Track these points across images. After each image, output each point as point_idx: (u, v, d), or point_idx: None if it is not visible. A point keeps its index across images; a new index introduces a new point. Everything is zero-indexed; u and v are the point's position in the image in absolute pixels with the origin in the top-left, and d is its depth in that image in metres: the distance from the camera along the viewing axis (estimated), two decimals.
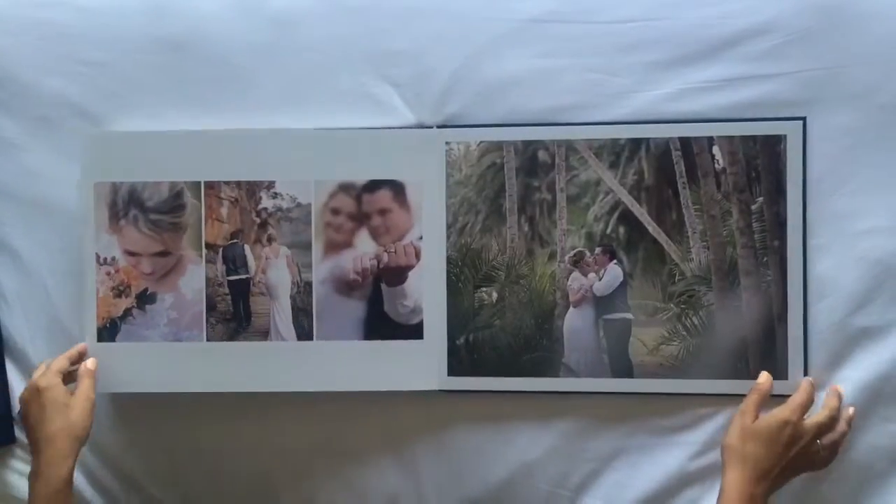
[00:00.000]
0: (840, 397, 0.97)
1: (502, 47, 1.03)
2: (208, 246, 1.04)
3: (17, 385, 1.07)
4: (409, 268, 1.02)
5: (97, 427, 1.04)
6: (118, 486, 1.08)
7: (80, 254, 1.05)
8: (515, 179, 1.03)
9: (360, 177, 1.02)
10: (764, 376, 0.98)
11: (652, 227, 1.02)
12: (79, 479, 1.06)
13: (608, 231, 1.02)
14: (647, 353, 1.02)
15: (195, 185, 1.03)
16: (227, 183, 1.03)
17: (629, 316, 1.02)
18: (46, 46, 1.06)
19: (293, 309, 1.03)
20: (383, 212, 1.02)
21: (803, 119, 0.99)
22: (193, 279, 1.04)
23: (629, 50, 1.02)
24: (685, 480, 1.03)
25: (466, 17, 1.03)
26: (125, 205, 1.04)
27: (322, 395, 1.03)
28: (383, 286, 1.02)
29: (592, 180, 1.02)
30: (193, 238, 1.04)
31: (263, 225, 1.03)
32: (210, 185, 1.03)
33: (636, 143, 1.01)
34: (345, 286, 1.03)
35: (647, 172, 1.02)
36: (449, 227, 1.03)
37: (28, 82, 1.07)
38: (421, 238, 1.02)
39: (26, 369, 1.07)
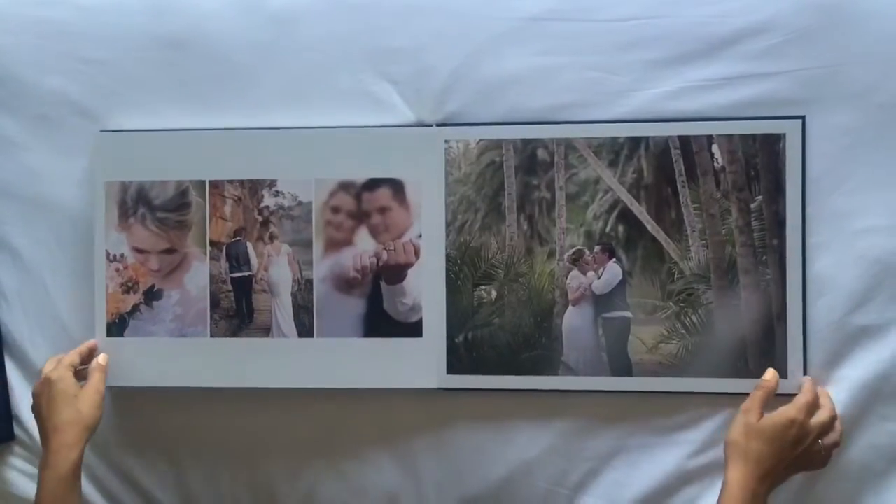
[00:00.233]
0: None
1: (502, 45, 1.04)
2: (212, 243, 1.06)
3: (16, 383, 1.10)
4: (409, 266, 1.03)
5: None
6: (118, 486, 1.10)
7: (91, 251, 1.07)
8: (515, 178, 1.04)
9: (360, 175, 1.04)
10: (770, 373, 0.98)
11: (651, 225, 1.02)
12: None
13: (607, 229, 1.03)
14: (646, 352, 1.02)
15: (200, 184, 1.05)
16: (230, 182, 1.05)
17: (628, 314, 1.03)
18: (46, 45, 1.08)
19: (294, 306, 1.05)
20: (383, 210, 1.04)
21: (802, 118, 0.99)
22: (198, 276, 1.06)
23: (629, 48, 1.02)
24: (684, 479, 1.03)
25: (466, 16, 1.04)
26: (134, 203, 1.07)
27: (321, 393, 1.05)
28: (383, 284, 1.04)
29: (591, 179, 1.03)
30: (198, 236, 1.06)
31: (265, 223, 1.05)
32: (214, 184, 1.05)
33: (635, 142, 1.02)
34: (345, 284, 1.04)
35: (647, 171, 1.02)
36: (448, 225, 1.04)
37: (28, 80, 1.09)
38: (420, 236, 1.03)
39: (26, 367, 1.10)
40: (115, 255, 1.07)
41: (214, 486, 1.09)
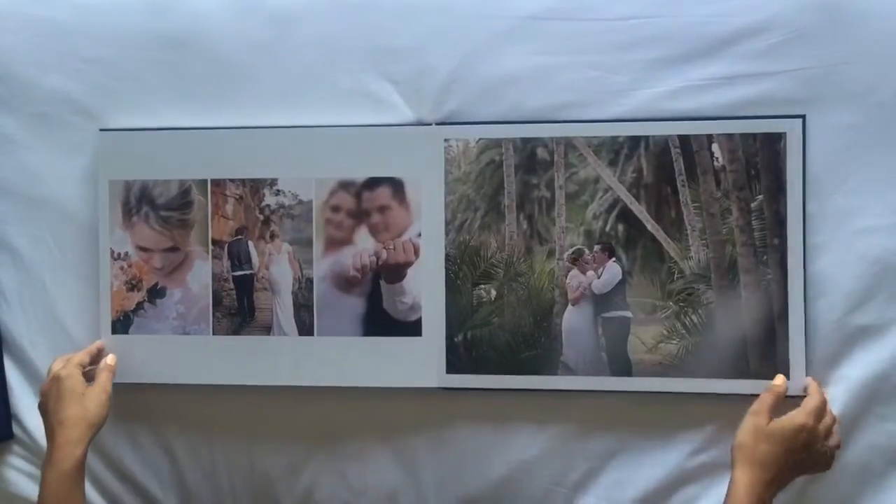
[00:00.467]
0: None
1: (502, 45, 1.05)
2: (214, 242, 1.07)
3: (16, 383, 1.11)
4: (408, 265, 1.04)
5: None
6: (118, 486, 1.11)
7: (91, 249, 1.09)
8: (514, 177, 1.04)
9: (360, 174, 1.05)
10: (780, 378, 0.98)
11: (651, 224, 1.03)
12: None
13: (607, 229, 1.03)
14: (646, 352, 1.02)
15: (202, 183, 1.07)
16: (232, 180, 1.07)
17: (628, 314, 1.03)
18: (46, 43, 1.10)
19: (295, 304, 1.06)
20: (383, 209, 1.05)
21: (802, 117, 1.00)
22: (200, 274, 1.08)
23: (628, 47, 1.03)
24: (684, 478, 1.04)
25: (465, 15, 1.05)
26: (137, 202, 1.08)
27: (321, 391, 1.06)
28: (382, 283, 1.05)
29: (591, 178, 1.03)
30: (201, 234, 1.07)
31: (266, 222, 1.06)
32: (216, 183, 1.07)
33: (635, 141, 1.02)
34: (345, 283, 1.05)
35: (646, 170, 1.03)
36: (448, 224, 1.04)
37: (27, 79, 1.10)
38: (420, 235, 1.04)
39: (25, 367, 1.11)
40: (119, 254, 1.08)
41: (213, 483, 1.10)
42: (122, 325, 1.09)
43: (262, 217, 1.06)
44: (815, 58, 0.99)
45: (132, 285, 1.09)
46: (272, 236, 1.06)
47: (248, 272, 1.07)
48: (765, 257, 1.00)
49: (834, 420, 0.96)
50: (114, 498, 1.11)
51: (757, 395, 0.97)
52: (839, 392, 0.99)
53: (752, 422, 0.94)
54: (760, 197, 1.00)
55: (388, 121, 1.05)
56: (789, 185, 0.99)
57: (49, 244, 1.10)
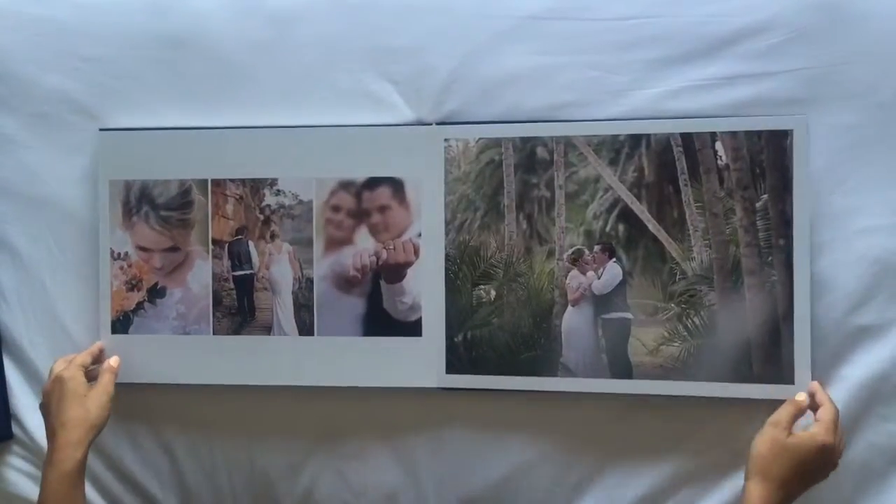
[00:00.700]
0: None
1: (502, 44, 1.05)
2: (215, 242, 1.08)
3: (15, 382, 1.12)
4: (408, 265, 1.05)
5: None
6: (118, 486, 1.12)
7: (91, 249, 1.10)
8: (514, 176, 1.05)
9: (360, 174, 1.06)
10: (802, 395, 0.97)
11: (652, 224, 1.02)
12: None
13: (607, 229, 1.03)
14: (646, 354, 1.02)
15: (202, 183, 1.07)
16: (232, 180, 1.07)
17: (628, 315, 1.03)
18: (45, 43, 1.10)
19: (295, 304, 1.06)
20: (383, 209, 1.05)
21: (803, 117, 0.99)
22: (201, 274, 1.09)
23: (628, 47, 1.03)
24: (684, 480, 1.04)
25: (465, 15, 1.06)
26: (137, 202, 1.09)
27: (321, 392, 1.07)
28: (382, 283, 1.06)
29: (591, 177, 1.03)
30: (201, 234, 1.08)
31: (267, 222, 1.07)
32: (217, 183, 1.07)
33: (636, 140, 1.02)
34: (345, 282, 1.06)
35: (648, 169, 1.02)
36: (447, 224, 1.05)
37: (27, 78, 1.10)
38: (420, 235, 1.04)
39: (25, 366, 1.12)
40: (119, 254, 1.09)
41: (213, 483, 1.10)
42: (121, 324, 1.09)
43: (262, 217, 1.07)
44: (816, 58, 1.00)
45: (132, 285, 1.09)
46: (272, 236, 1.07)
47: (248, 272, 1.08)
48: (770, 258, 0.99)
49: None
50: (114, 498, 1.11)
51: (759, 400, 0.98)
52: (840, 392, 0.99)
53: (772, 434, 0.92)
54: (765, 196, 0.99)
55: (389, 121, 1.06)
56: (796, 183, 0.98)
57: (49, 244, 1.11)
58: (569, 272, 1.03)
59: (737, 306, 1.00)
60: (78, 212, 1.10)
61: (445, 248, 1.04)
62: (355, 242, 1.06)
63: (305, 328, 1.06)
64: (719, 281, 1.00)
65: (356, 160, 1.05)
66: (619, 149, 1.02)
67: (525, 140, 1.03)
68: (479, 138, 1.04)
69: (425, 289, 1.05)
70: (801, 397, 0.96)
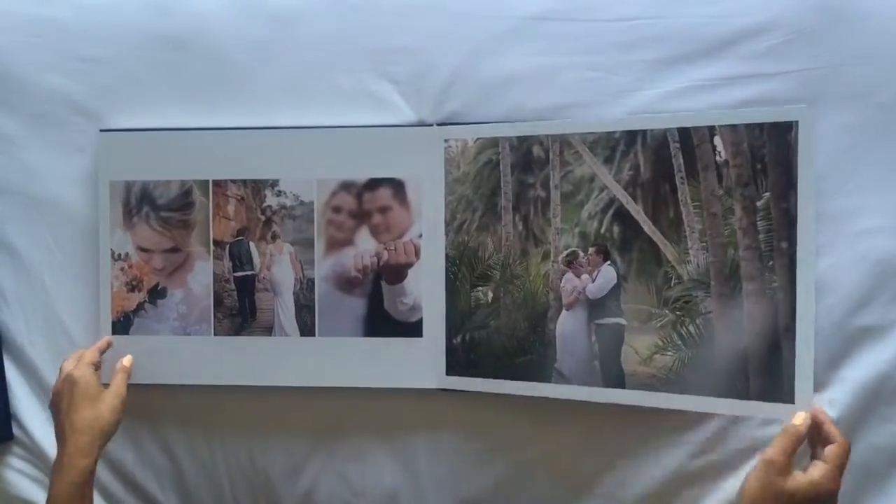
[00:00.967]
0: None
1: (502, 45, 1.06)
2: (216, 243, 1.08)
3: (15, 383, 1.12)
4: (409, 265, 1.05)
5: None
6: (118, 486, 1.12)
7: (91, 250, 1.10)
8: (511, 176, 1.03)
9: (361, 175, 1.06)
10: (801, 417, 0.88)
11: (647, 225, 0.98)
12: None
13: (602, 230, 1.00)
14: (639, 363, 0.98)
15: (203, 184, 1.08)
16: (233, 181, 1.08)
17: (622, 321, 0.99)
18: (45, 43, 1.11)
19: (296, 305, 1.07)
20: (384, 210, 1.06)
21: None
22: (202, 275, 1.09)
23: (629, 48, 1.04)
24: (685, 480, 1.05)
25: (466, 15, 1.06)
26: (138, 202, 1.09)
27: (321, 392, 1.07)
28: (383, 284, 1.06)
29: (587, 176, 1.00)
30: (202, 235, 1.08)
31: (268, 222, 1.07)
32: (218, 184, 1.08)
33: (632, 136, 0.98)
34: (346, 283, 1.06)
35: (644, 167, 0.98)
36: (447, 224, 1.05)
37: (27, 79, 1.11)
38: (421, 236, 1.05)
39: (25, 367, 1.12)
40: (119, 254, 1.10)
41: (214, 483, 1.11)
42: (122, 325, 1.10)
43: (263, 218, 1.07)
44: (816, 58, 1.01)
45: (132, 286, 1.10)
46: (273, 237, 1.07)
47: (249, 273, 1.08)
48: (771, 263, 0.92)
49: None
50: (114, 499, 1.12)
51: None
52: (841, 394, 1.00)
53: (765, 476, 0.84)
54: (767, 194, 0.92)
55: (389, 121, 1.07)
56: (801, 180, 0.90)
57: (49, 245, 1.11)
58: (563, 275, 1.01)
59: (734, 315, 0.93)
60: (78, 212, 1.11)
61: (445, 249, 1.05)
62: (356, 243, 1.06)
63: (306, 329, 1.07)
64: (716, 286, 0.94)
65: (357, 161, 1.06)
66: (615, 146, 0.99)
67: (522, 139, 1.02)
68: (478, 138, 1.04)
69: (426, 290, 1.05)
70: (800, 421, 0.87)
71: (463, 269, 1.04)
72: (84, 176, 1.10)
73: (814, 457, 0.89)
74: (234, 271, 1.08)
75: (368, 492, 1.09)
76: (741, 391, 0.93)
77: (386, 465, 1.08)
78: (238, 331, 1.08)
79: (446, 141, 1.05)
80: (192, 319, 1.09)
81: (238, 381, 1.08)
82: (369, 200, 1.06)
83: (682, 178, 0.97)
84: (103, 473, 1.11)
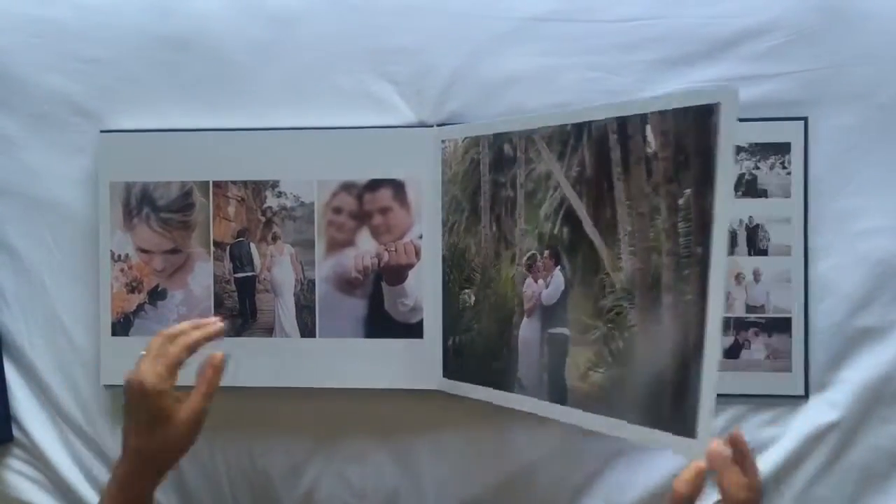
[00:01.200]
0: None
1: (503, 45, 1.06)
2: (216, 244, 1.09)
3: (15, 384, 1.12)
4: (409, 266, 1.05)
5: (95, 426, 1.11)
6: None
7: (91, 251, 1.11)
8: (488, 175, 1.01)
9: (362, 176, 1.06)
10: (690, 472, 0.75)
11: (589, 227, 0.89)
12: (76, 478, 1.12)
13: (555, 231, 0.92)
14: (578, 378, 0.90)
15: (204, 185, 1.08)
16: (234, 182, 1.08)
17: (567, 332, 0.91)
18: (46, 44, 1.11)
19: (297, 306, 1.07)
20: (384, 210, 1.06)
21: (805, 119, 1.02)
22: (202, 276, 1.10)
23: (630, 49, 1.05)
24: None
25: (467, 15, 1.07)
26: (138, 203, 1.10)
27: (322, 393, 1.08)
28: (384, 285, 1.06)
29: (544, 174, 0.94)
30: (202, 236, 1.09)
31: (269, 223, 1.07)
32: (218, 185, 1.08)
33: (579, 129, 0.90)
34: (346, 284, 1.06)
35: (588, 162, 0.89)
36: (443, 226, 1.05)
37: (28, 80, 1.11)
38: (421, 237, 1.05)
39: (25, 368, 1.12)
40: (119, 255, 1.10)
41: (214, 484, 1.11)
42: (122, 326, 1.10)
43: (263, 219, 1.08)
44: (817, 59, 1.02)
45: (133, 287, 1.10)
46: (274, 238, 1.08)
47: (249, 274, 1.09)
48: (686, 271, 0.79)
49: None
50: None
51: (762, 397, 1.00)
52: (842, 395, 1.01)
53: None
54: (688, 191, 0.79)
55: (389, 122, 1.07)
56: (718, 173, 0.77)
57: (49, 245, 1.12)
58: (525, 279, 0.96)
59: (654, 330, 0.82)
60: (78, 213, 1.11)
61: (442, 251, 1.05)
62: (357, 244, 1.07)
63: (307, 330, 1.07)
64: (639, 297, 0.84)
65: (357, 162, 1.06)
66: (566, 140, 0.90)
67: (496, 136, 0.99)
68: (465, 138, 1.03)
69: (426, 291, 1.06)
70: (688, 476, 0.75)
71: (454, 272, 1.04)
72: (84, 177, 1.11)
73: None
74: (235, 272, 1.09)
75: (369, 493, 1.09)
76: (654, 419, 0.82)
77: (386, 466, 1.09)
78: (239, 332, 1.09)
79: (443, 142, 1.05)
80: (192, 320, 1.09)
81: (238, 381, 1.08)
82: (370, 201, 1.06)
83: (619, 173, 0.87)
84: (103, 474, 1.11)
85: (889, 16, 1.01)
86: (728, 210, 0.77)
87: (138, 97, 1.10)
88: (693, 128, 0.79)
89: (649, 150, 0.83)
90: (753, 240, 1.03)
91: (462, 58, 1.06)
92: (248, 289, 1.09)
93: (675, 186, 0.81)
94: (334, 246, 1.07)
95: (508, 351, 0.98)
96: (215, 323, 0.92)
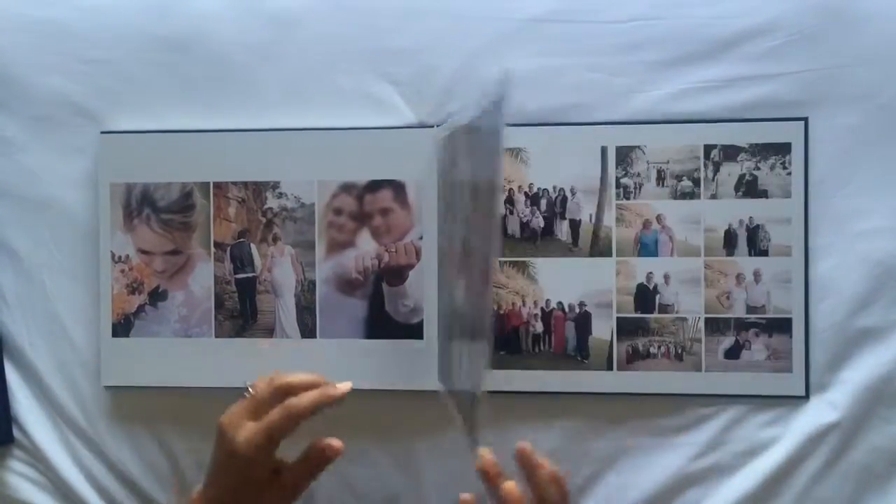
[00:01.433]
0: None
1: (503, 46, 1.07)
2: (217, 245, 1.09)
3: (16, 386, 1.13)
4: (410, 267, 1.06)
5: (96, 428, 1.11)
6: (117, 487, 1.13)
7: (92, 252, 1.11)
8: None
9: (362, 177, 1.07)
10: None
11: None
12: (77, 479, 1.11)
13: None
14: None
15: (204, 186, 1.09)
16: (234, 183, 1.08)
17: None
18: (46, 45, 1.11)
19: (297, 307, 1.08)
20: (384, 211, 1.07)
21: (805, 120, 1.03)
22: (202, 277, 1.10)
23: (631, 49, 1.05)
24: (687, 481, 1.06)
25: (467, 17, 1.07)
26: (138, 204, 1.10)
27: None
28: (384, 285, 1.07)
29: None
30: (203, 237, 1.09)
31: (269, 224, 1.08)
32: (218, 186, 1.09)
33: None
34: (347, 285, 1.07)
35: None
36: (439, 226, 1.06)
37: (28, 81, 1.11)
38: (421, 238, 1.05)
39: (25, 369, 1.13)
40: (119, 257, 1.10)
41: None
42: (122, 328, 1.11)
43: (264, 220, 1.08)
44: (818, 60, 1.02)
45: (133, 288, 1.10)
46: (274, 239, 1.08)
47: (250, 275, 1.09)
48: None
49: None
50: (114, 500, 1.12)
51: (761, 397, 1.03)
52: (842, 395, 1.02)
53: None
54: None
55: (390, 123, 1.07)
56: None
57: (49, 247, 1.12)
58: None
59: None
60: (79, 214, 1.11)
61: (438, 251, 1.06)
62: (357, 245, 1.07)
63: (307, 330, 1.08)
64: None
65: (358, 163, 1.07)
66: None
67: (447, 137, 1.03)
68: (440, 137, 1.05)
69: (426, 292, 1.06)
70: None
71: (442, 272, 1.06)
72: (84, 178, 1.11)
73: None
74: (235, 273, 1.09)
75: (369, 494, 1.09)
76: None
77: (387, 468, 1.09)
78: (239, 333, 1.09)
79: (439, 141, 1.06)
80: (192, 321, 1.10)
81: (239, 382, 1.07)
82: (370, 202, 1.07)
83: None
84: (103, 475, 1.12)
85: (890, 16, 1.01)
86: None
87: (139, 98, 1.10)
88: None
89: None
90: (754, 240, 1.03)
91: (463, 59, 1.06)
92: (248, 290, 1.09)
93: None
94: (335, 247, 1.07)
95: None
96: (340, 387, 0.85)
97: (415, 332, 1.06)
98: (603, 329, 1.06)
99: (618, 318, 1.05)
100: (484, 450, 0.82)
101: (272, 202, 1.08)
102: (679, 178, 1.04)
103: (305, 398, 0.82)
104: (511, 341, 1.06)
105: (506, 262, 1.06)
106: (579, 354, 1.06)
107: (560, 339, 1.06)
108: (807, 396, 1.02)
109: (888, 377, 1.01)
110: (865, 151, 1.01)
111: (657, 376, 1.04)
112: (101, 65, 1.11)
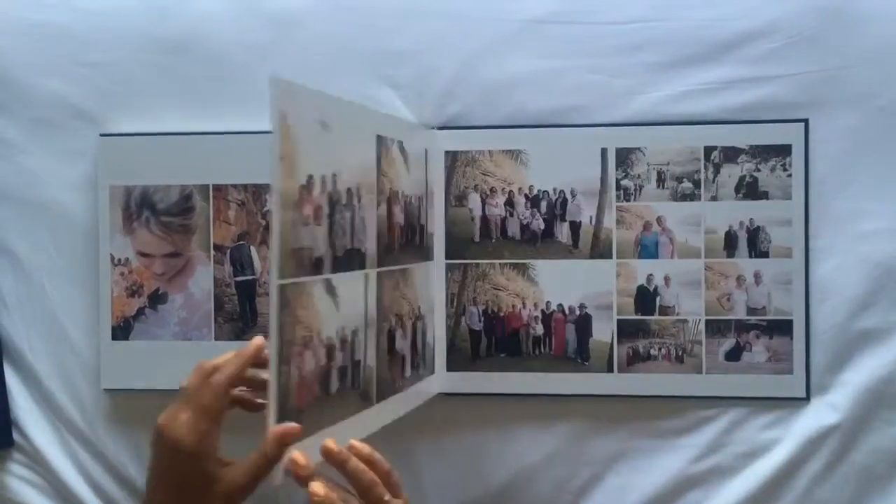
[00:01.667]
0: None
1: (504, 48, 1.07)
2: (216, 247, 1.09)
3: (16, 389, 1.13)
4: None
5: (96, 431, 1.11)
6: (116, 488, 1.13)
7: (91, 255, 1.11)
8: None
9: None
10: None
11: None
12: (77, 482, 1.12)
13: None
14: None
15: (204, 188, 1.09)
16: (234, 186, 1.08)
17: None
18: (45, 47, 1.11)
19: None
20: None
21: (805, 121, 1.03)
22: (202, 279, 1.10)
23: (631, 51, 1.06)
24: (687, 484, 1.06)
25: (467, 18, 1.07)
26: (138, 207, 1.10)
27: None
28: None
29: None
30: (202, 240, 1.09)
31: (269, 227, 1.07)
32: (218, 188, 1.09)
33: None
34: None
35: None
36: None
37: (27, 84, 1.11)
38: None
39: (25, 372, 1.13)
40: (119, 259, 1.10)
41: None
42: (122, 330, 1.11)
43: (264, 222, 1.09)
44: (818, 61, 1.03)
45: (133, 291, 1.11)
46: None
47: (250, 277, 1.09)
48: None
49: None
50: (113, 501, 1.12)
51: (761, 399, 1.03)
52: (843, 397, 1.02)
53: None
54: None
55: None
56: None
57: (49, 249, 1.12)
58: None
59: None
60: (78, 217, 1.12)
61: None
62: None
63: None
64: None
65: None
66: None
67: None
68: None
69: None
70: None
71: None
72: (84, 180, 1.11)
73: None
74: (235, 276, 1.09)
75: None
76: None
77: None
78: (239, 335, 1.09)
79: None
80: (192, 324, 1.10)
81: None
82: None
83: None
84: (102, 476, 1.12)
85: (890, 18, 1.02)
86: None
87: (138, 100, 1.10)
88: None
89: None
90: (754, 242, 1.04)
91: (463, 60, 1.06)
92: (248, 292, 1.09)
93: None
94: None
95: None
96: (252, 343, 0.85)
97: None
98: (603, 331, 1.06)
99: (618, 320, 1.06)
100: (298, 454, 0.77)
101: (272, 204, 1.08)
102: (679, 179, 1.05)
103: (224, 368, 0.83)
104: (511, 343, 1.07)
105: (506, 264, 1.06)
106: (580, 356, 1.06)
107: (560, 341, 1.07)
108: (807, 398, 1.03)
109: (889, 379, 1.01)
110: (866, 153, 1.02)
111: (658, 378, 1.05)
112: (100, 67, 1.11)
